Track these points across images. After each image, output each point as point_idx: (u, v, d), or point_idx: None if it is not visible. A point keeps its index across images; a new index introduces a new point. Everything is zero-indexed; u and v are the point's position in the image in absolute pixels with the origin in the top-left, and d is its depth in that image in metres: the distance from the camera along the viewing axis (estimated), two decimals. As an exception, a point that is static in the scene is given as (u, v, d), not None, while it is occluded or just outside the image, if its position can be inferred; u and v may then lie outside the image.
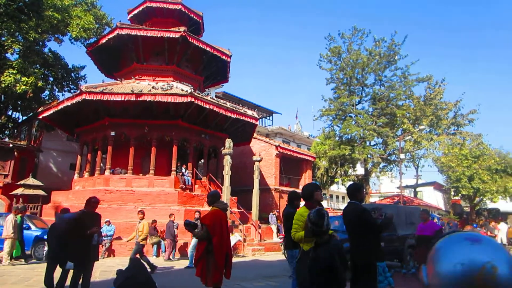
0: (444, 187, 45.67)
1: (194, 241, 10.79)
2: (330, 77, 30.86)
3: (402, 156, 29.10)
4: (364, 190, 28.83)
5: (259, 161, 20.04)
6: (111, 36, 19.39)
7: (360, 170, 34.47)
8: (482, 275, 0.94)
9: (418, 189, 42.86)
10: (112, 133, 18.18)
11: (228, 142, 17.16)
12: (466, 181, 36.01)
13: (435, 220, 29.23)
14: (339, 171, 31.79)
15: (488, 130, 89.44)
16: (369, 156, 29.42)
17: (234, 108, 19.64)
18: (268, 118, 42.45)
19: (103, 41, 19.96)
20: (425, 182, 44.87)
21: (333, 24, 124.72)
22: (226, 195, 16.60)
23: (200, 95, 17.87)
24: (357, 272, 4.54)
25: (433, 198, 45.96)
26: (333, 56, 30.40)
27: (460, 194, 40.77)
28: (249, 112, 20.98)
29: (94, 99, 16.61)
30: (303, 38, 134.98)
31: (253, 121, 20.71)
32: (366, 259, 4.49)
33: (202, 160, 21.96)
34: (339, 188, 42.14)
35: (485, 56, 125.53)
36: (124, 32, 18.85)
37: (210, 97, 20.07)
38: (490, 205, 44.15)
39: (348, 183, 33.67)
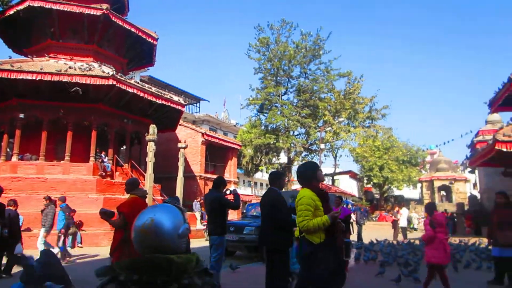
0: (359, 176, 49.41)
1: (42, 231, 9.96)
2: (258, 67, 31.35)
3: (322, 146, 30.78)
4: (286, 178, 29.81)
5: (185, 148, 19.80)
6: (20, 7, 17.38)
7: (283, 158, 35.74)
8: (144, 225, 1.40)
9: (335, 177, 45.65)
10: (21, 115, 16.56)
11: (152, 128, 16.65)
12: (378, 171, 39.37)
13: (349, 206, 31.56)
14: (263, 159, 32.63)
15: (397, 124, 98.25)
16: (292, 145, 30.63)
17: (159, 93, 19.03)
18: (195, 105, 41.91)
19: (11, 12, 17.81)
20: (342, 171, 47.98)
21: (265, 12, 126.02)
22: (149, 183, 16.18)
23: (123, 78, 16.98)
24: (269, 255, 4.77)
25: (348, 185, 49.37)
26: (261, 47, 30.86)
27: (372, 182, 44.47)
28: (175, 98, 20.49)
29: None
30: (234, 25, 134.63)
31: (179, 108, 20.29)
32: (277, 243, 4.71)
33: (124, 147, 21.05)
34: (263, 176, 43.28)
35: (400, 57, 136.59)
36: (36, 3, 17.06)
37: (134, 81, 19.16)
38: (396, 192, 48.84)
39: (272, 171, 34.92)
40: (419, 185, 44.69)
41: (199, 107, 42.24)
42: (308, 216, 3.47)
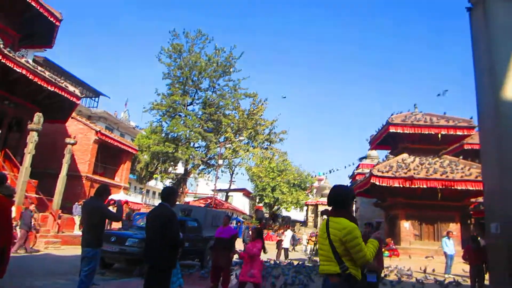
0: (252, 194, 50.92)
1: None
2: (167, 73, 30.73)
3: (220, 161, 31.11)
4: (181, 190, 29.19)
5: (73, 144, 18.21)
6: None
7: (180, 169, 35.15)
8: None
9: (230, 193, 46.35)
10: None
11: (38, 117, 15.01)
12: (270, 191, 41.07)
13: (239, 223, 32.17)
14: (159, 167, 31.67)
15: (292, 149, 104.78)
16: (191, 157, 30.34)
17: (53, 80, 17.26)
18: (94, 99, 39.00)
19: None
20: (237, 188, 48.95)
21: (185, 20, 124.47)
22: (23, 177, 14.44)
23: (11, 54, 15.08)
24: (151, 272, 4.61)
25: (241, 203, 50.49)
26: (174, 53, 30.39)
27: (263, 202, 46.15)
28: (71, 88, 18.83)
29: None
30: (151, 22, 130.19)
31: (74, 100, 18.65)
32: (163, 260, 4.57)
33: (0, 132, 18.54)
34: (156, 184, 41.84)
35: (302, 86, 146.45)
36: None
37: (25, 60, 17.15)
38: (284, 213, 51.41)
39: (167, 181, 34.10)
40: (305, 208, 47.70)
41: (98, 102, 39.40)
42: (364, 246, 3.08)
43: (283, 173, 41.27)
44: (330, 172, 33.10)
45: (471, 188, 12.88)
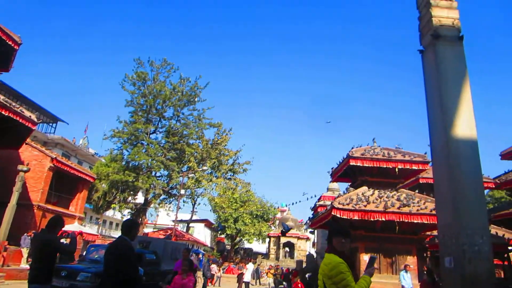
0: (213, 225, 49.96)
1: None
2: (130, 100, 30.23)
3: (182, 191, 30.48)
4: (140, 220, 28.19)
5: (26, 171, 17.31)
6: None
7: (140, 199, 34.06)
8: None
9: (191, 224, 45.24)
10: None
11: (-12, 143, 14.20)
12: (232, 222, 40.50)
13: (200, 255, 31.25)
14: (118, 197, 30.54)
15: (256, 179, 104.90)
16: (152, 186, 29.53)
17: (7, 104, 16.50)
18: (51, 124, 37.53)
19: None
20: (198, 219, 47.92)
21: (148, 48, 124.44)
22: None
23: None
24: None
25: (202, 234, 49.30)
26: (138, 81, 30.09)
27: (225, 233, 45.34)
28: (27, 113, 18.04)
29: None
30: (114, 51, 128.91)
31: (30, 125, 17.86)
32: None
33: None
34: (114, 215, 40.19)
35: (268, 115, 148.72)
36: None
37: (-23, 83, 16.35)
38: (246, 245, 50.68)
39: (126, 210, 32.82)
40: (267, 240, 47.28)
41: (55, 128, 37.94)
42: (351, 282, 3.00)
43: (246, 204, 40.99)
44: (292, 204, 33.24)
45: (426, 222, 13.30)
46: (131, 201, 32.08)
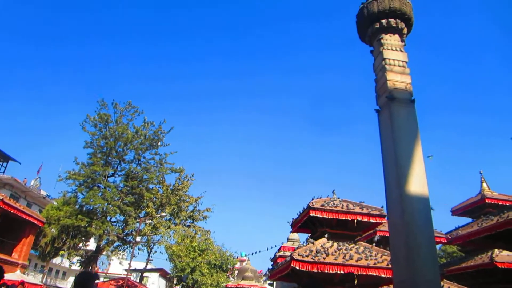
0: (169, 275, 47.58)
1: None
2: (90, 142, 29.39)
3: (138, 238, 29.15)
4: (90, 268, 26.37)
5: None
6: None
7: (92, 245, 32.14)
8: None
9: (145, 274, 42.87)
10: None
11: None
12: (189, 272, 38.78)
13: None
14: (68, 243, 28.64)
15: (216, 227, 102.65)
16: (106, 232, 28.04)
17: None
18: (1, 163, 35.53)
19: None
20: (154, 268, 45.61)
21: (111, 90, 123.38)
22: None
23: None
24: None
25: (157, 284, 46.74)
26: (100, 122, 29.50)
27: (181, 284, 43.18)
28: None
29: None
30: (72, 87, 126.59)
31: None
32: None
33: None
34: (62, 262, 37.52)
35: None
36: None
37: None
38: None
39: (75, 258, 30.69)
40: (225, 291, 45.46)
41: (6, 167, 35.86)
42: None
43: (204, 252, 39.63)
44: (252, 254, 32.68)
45: (384, 276, 13.39)
46: (82, 247, 30.15)
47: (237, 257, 47.11)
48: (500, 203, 19.98)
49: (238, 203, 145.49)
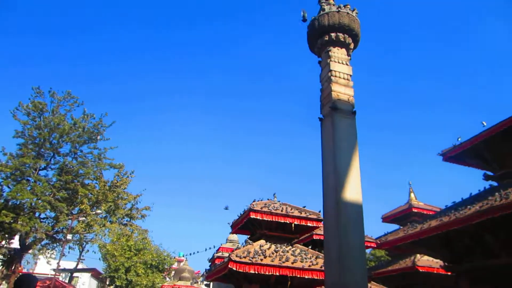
0: (102, 276, 45.54)
1: None
2: (21, 131, 27.31)
3: (69, 236, 27.60)
4: (13, 268, 24.49)
5: None
6: None
7: (16, 243, 29.84)
8: None
9: (75, 274, 40.69)
10: None
11: None
12: (123, 272, 37.37)
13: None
14: (-12, 240, 26.33)
15: (154, 227, 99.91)
16: (33, 229, 26.12)
17: None
18: None
19: None
20: (85, 267, 43.42)
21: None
22: None
23: None
24: None
25: (88, 285, 44.54)
26: (34, 111, 27.53)
27: (114, 285, 41.50)
28: None
29: None
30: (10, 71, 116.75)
31: None
32: None
33: None
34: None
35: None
36: None
37: None
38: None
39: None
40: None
41: None
42: None
43: (140, 252, 38.42)
44: (190, 254, 32.33)
45: (317, 278, 13.93)
46: (5, 245, 27.85)
47: (175, 257, 46.27)
48: (424, 212, 21.74)
49: (178, 203, 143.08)
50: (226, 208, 18.81)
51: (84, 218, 28.29)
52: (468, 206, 11.43)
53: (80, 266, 39.14)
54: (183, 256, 42.34)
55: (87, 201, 28.56)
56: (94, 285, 46.82)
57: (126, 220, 33.30)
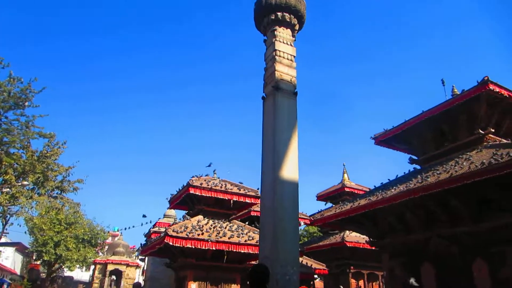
0: (28, 250, 43.07)
1: None
2: None
3: (-9, 208, 25.62)
4: None
5: None
6: None
7: None
8: None
9: (-2, 248, 38.10)
10: None
11: None
12: (52, 247, 35.65)
13: (4, 286, 26.41)
14: None
15: (87, 200, 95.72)
16: None
17: None
18: None
19: None
20: (9, 241, 40.73)
21: None
22: None
23: None
24: None
25: (12, 260, 41.91)
26: (-51, 69, 24.60)
27: (42, 259, 39.52)
28: None
29: None
30: None
31: None
32: None
33: None
34: None
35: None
36: None
37: None
38: (67, 273, 45.11)
39: None
40: (92, 267, 43.17)
41: None
42: None
43: (72, 226, 36.79)
44: (125, 229, 31.62)
45: (252, 252, 14.39)
46: None
47: (109, 232, 44.99)
48: (356, 191, 23.17)
49: (115, 176, 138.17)
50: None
51: (8, 189, 26.30)
52: (394, 187, 12.37)
53: (3, 240, 36.54)
54: (118, 230, 41.31)
55: (12, 171, 26.49)
56: (19, 260, 44.19)
57: (57, 193, 31.48)
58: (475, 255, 10.72)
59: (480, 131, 12.29)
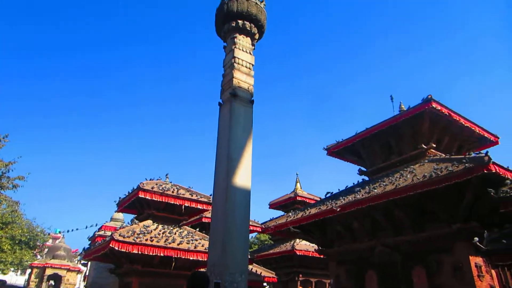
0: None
1: None
2: None
3: None
4: None
5: None
6: None
7: None
8: None
9: None
10: None
11: None
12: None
13: None
14: None
15: (28, 199, 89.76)
16: None
17: None
18: None
19: None
20: None
21: None
22: None
23: None
24: None
25: None
26: None
27: (-30, 263, 36.46)
28: None
29: None
30: None
31: None
32: None
33: None
34: None
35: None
36: None
37: None
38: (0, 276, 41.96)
39: None
40: (29, 270, 40.51)
41: None
42: None
43: (8, 226, 34.21)
44: (68, 231, 30.10)
45: (201, 259, 14.15)
46: None
47: (49, 234, 42.41)
48: (307, 200, 23.64)
49: (60, 176, 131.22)
50: None
51: None
52: (343, 197, 12.76)
53: None
54: (60, 233, 39.13)
55: None
56: None
57: (-6, 191, 29.28)
58: (415, 263, 11.28)
59: (423, 145, 13.05)
